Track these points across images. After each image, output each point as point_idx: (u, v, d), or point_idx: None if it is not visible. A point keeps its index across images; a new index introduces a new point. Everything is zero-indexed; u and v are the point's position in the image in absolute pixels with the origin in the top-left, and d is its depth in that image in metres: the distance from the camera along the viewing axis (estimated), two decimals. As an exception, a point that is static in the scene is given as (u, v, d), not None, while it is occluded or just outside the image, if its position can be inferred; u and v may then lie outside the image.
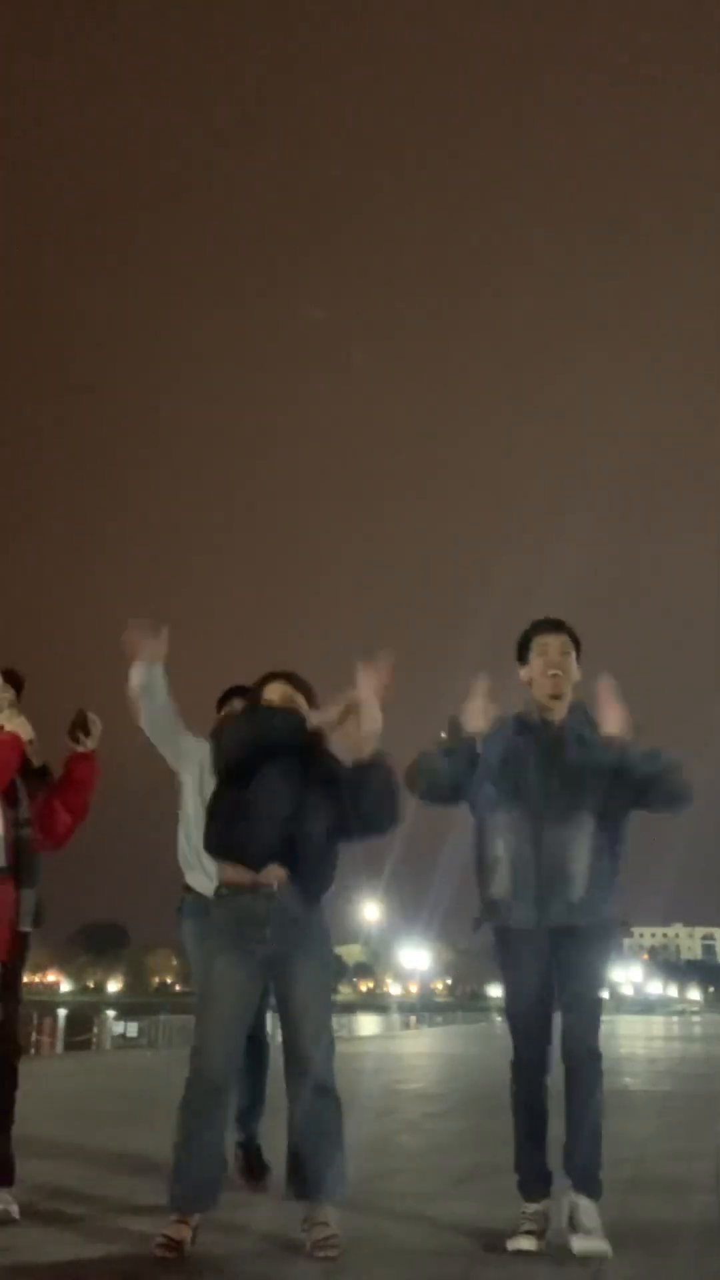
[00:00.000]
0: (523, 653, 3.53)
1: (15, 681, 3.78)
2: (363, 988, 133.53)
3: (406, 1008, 66.05)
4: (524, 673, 3.52)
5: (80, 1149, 5.11)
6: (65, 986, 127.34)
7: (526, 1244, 3.21)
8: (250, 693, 3.61)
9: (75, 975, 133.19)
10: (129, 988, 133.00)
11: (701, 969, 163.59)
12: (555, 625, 3.53)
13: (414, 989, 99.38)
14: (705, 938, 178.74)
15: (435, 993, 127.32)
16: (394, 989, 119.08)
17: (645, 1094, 9.16)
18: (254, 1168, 4.18)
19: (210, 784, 3.73)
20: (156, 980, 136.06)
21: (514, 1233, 3.25)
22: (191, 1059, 3.30)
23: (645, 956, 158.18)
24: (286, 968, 3.31)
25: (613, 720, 3.34)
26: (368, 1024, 41.44)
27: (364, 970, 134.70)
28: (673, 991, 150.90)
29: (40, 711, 3.76)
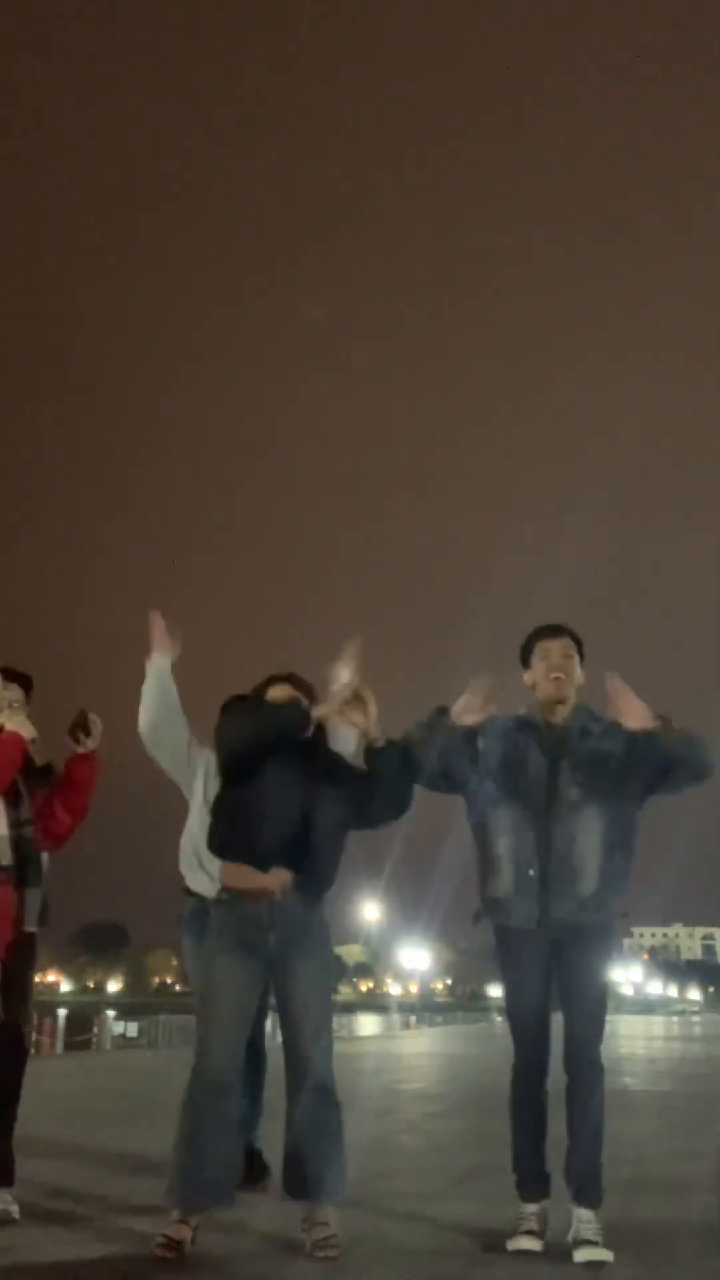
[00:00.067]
0: (526, 657, 3.53)
1: (23, 681, 3.77)
2: (363, 988, 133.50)
3: (406, 1008, 66.03)
4: (527, 677, 3.52)
5: (80, 1149, 5.11)
6: (65, 986, 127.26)
7: (527, 1244, 3.21)
8: (253, 695, 3.61)
9: (75, 975, 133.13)
10: (129, 988, 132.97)
11: (701, 969, 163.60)
12: (557, 629, 3.54)
13: (414, 989, 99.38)
14: (705, 938, 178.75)
15: (435, 993, 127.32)
16: (394, 989, 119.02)
17: (645, 1094, 9.17)
18: (253, 1170, 4.18)
19: (215, 786, 3.73)
20: (156, 980, 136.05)
21: (514, 1233, 3.26)
22: (194, 1065, 3.30)
23: (645, 956, 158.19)
24: (287, 968, 3.31)
25: (635, 715, 3.31)
26: (368, 1024, 41.44)
27: (364, 970, 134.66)
28: (673, 991, 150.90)
29: (41, 711, 3.76)
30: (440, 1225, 3.58)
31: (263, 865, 3.30)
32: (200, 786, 4.24)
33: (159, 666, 4.11)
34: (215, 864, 3.58)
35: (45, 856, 3.77)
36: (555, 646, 3.48)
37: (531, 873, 3.32)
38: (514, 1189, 3.38)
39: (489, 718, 3.45)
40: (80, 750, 3.74)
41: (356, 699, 3.36)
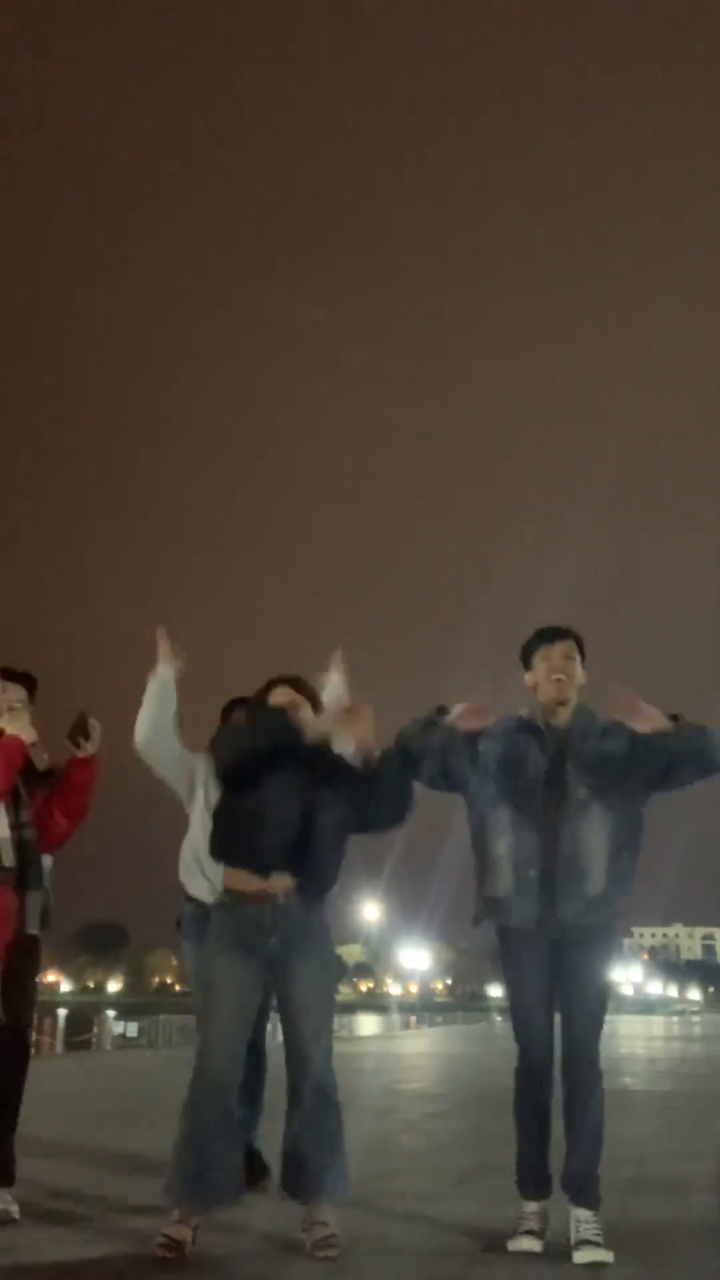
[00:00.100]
0: (527, 658, 3.53)
1: (27, 682, 3.77)
2: (363, 988, 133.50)
3: (406, 1008, 66.04)
4: (528, 678, 3.52)
5: (80, 1149, 5.11)
6: (65, 986, 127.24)
7: (527, 1244, 3.21)
8: (254, 698, 3.60)
9: (75, 975, 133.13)
10: (129, 988, 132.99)
11: (701, 969, 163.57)
12: (559, 631, 3.53)
13: (414, 989, 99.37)
14: (705, 938, 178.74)
15: (435, 993, 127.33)
16: (394, 989, 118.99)
17: (645, 1094, 9.16)
18: (253, 1170, 4.18)
19: (215, 791, 3.73)
20: (156, 980, 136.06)
21: (514, 1233, 3.26)
22: (195, 1067, 3.29)
23: (645, 956, 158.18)
24: (288, 969, 3.31)
25: (647, 720, 3.30)
26: (368, 1024, 41.44)
27: (364, 970, 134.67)
28: (673, 991, 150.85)
29: (41, 712, 3.75)
30: (440, 1225, 3.58)
31: (264, 869, 3.30)
32: (200, 793, 4.24)
33: (164, 679, 4.13)
34: (216, 870, 3.58)
35: (49, 859, 3.77)
36: (557, 649, 3.48)
37: (532, 873, 3.32)
38: (515, 1188, 3.39)
39: (500, 721, 3.45)
40: (79, 754, 3.73)
41: (353, 713, 3.35)
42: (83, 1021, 32.14)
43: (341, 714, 3.40)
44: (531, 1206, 3.32)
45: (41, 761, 3.70)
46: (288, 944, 3.30)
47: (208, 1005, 3.31)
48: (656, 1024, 45.37)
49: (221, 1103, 3.24)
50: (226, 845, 3.40)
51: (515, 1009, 3.42)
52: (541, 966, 3.35)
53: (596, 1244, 3.13)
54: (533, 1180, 3.35)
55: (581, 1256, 3.10)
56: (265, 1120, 4.19)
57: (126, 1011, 41.07)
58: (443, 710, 3.47)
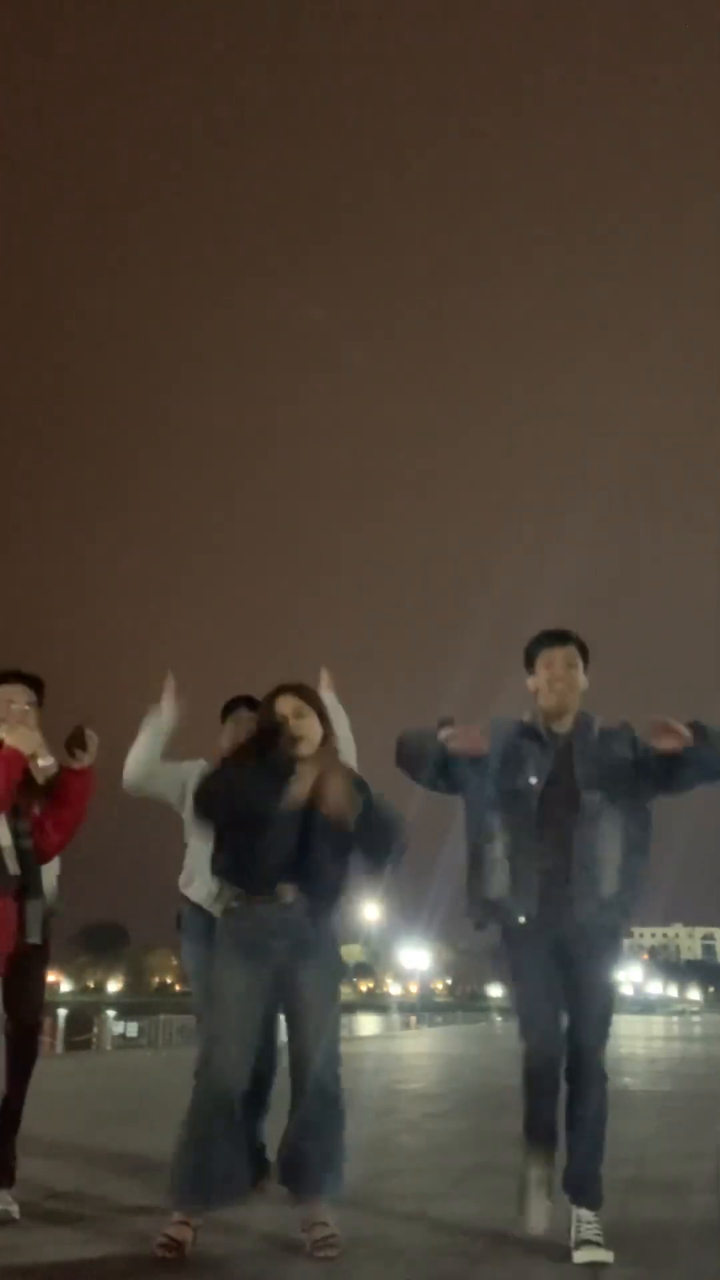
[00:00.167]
0: (530, 661, 3.53)
1: (35, 684, 3.76)
2: (363, 988, 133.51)
3: (406, 1008, 66.03)
4: (531, 682, 3.52)
5: (80, 1149, 5.11)
6: (65, 986, 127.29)
7: (537, 1209, 3.23)
8: (260, 706, 3.56)
9: (75, 975, 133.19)
10: (129, 988, 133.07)
11: (701, 969, 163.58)
12: (562, 636, 3.52)
13: (414, 989, 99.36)
14: (705, 938, 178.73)
15: (435, 993, 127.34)
16: (394, 989, 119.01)
17: (645, 1094, 9.16)
18: (256, 1169, 4.18)
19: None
20: (156, 980, 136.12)
21: (521, 1193, 3.26)
22: (199, 1071, 3.29)
23: (645, 956, 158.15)
24: (295, 973, 3.29)
25: (672, 740, 3.25)
26: (368, 1024, 41.45)
27: (364, 970, 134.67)
28: (673, 991, 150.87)
29: (41, 713, 3.74)
30: (440, 1225, 3.58)
31: (264, 890, 3.29)
32: (193, 801, 4.24)
33: (164, 725, 4.16)
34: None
35: (56, 865, 3.77)
36: (559, 655, 3.47)
37: (531, 873, 3.32)
38: (514, 1189, 3.36)
39: (503, 725, 3.44)
40: (75, 765, 3.71)
41: (322, 782, 3.31)
42: (83, 1021, 32.14)
43: (315, 784, 3.35)
44: (535, 1171, 3.29)
45: (41, 774, 3.68)
46: (295, 948, 3.29)
47: (214, 1015, 3.30)
48: (656, 1024, 45.38)
49: (225, 1110, 3.23)
50: (228, 869, 3.39)
51: (521, 1008, 3.40)
52: (546, 965, 3.34)
53: (597, 1244, 3.13)
54: (544, 1129, 3.31)
55: (582, 1256, 3.10)
56: (269, 1120, 4.19)
57: (126, 1011, 41.08)
58: (446, 723, 3.46)
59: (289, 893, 3.30)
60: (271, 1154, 3.96)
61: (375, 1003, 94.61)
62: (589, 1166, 3.28)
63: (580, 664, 3.49)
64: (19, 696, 3.69)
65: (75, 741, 3.70)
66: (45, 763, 3.69)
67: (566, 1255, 3.13)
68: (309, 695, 3.49)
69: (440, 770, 3.41)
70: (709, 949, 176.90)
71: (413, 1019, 50.26)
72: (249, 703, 4.35)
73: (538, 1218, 3.26)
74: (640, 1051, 17.45)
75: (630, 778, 3.36)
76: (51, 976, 4.13)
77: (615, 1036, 3.43)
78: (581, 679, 3.49)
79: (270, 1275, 3.01)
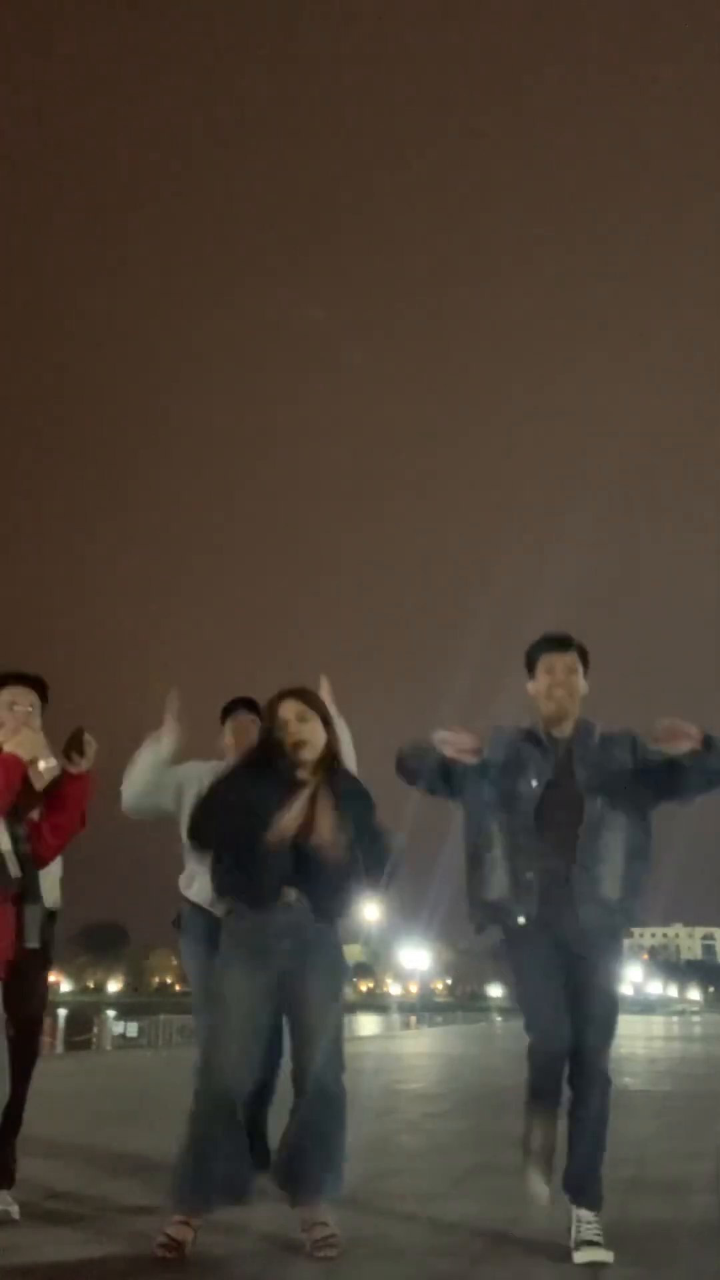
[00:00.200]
0: (530, 666, 3.53)
1: (39, 686, 3.75)
2: (363, 988, 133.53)
3: (406, 1008, 66.06)
4: (531, 687, 3.53)
5: (80, 1149, 5.11)
6: (65, 986, 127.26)
7: (538, 1183, 3.24)
8: (263, 712, 3.55)
9: (75, 975, 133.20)
10: (129, 988, 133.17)
11: (701, 969, 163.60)
12: (562, 643, 3.52)
13: (414, 989, 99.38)
14: (705, 938, 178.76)
15: (435, 993, 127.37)
16: (394, 989, 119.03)
17: (645, 1094, 9.17)
18: (256, 1154, 4.16)
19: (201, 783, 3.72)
20: (156, 980, 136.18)
21: (524, 1157, 3.26)
22: (201, 1074, 3.29)
23: (645, 956, 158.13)
24: (298, 974, 3.28)
25: (683, 740, 3.25)
26: (368, 1024, 41.45)
27: (364, 970, 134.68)
28: (673, 991, 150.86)
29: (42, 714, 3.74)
30: (440, 1225, 3.58)
31: (265, 903, 3.28)
32: (188, 804, 4.23)
33: (162, 750, 4.16)
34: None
35: (59, 868, 3.76)
36: (560, 661, 3.48)
37: (529, 875, 3.32)
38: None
39: (459, 757, 3.42)
40: (73, 770, 3.71)
41: (310, 822, 3.28)
42: (83, 1021, 32.13)
43: (300, 818, 3.32)
44: (538, 1135, 3.28)
45: (40, 780, 3.67)
46: (298, 949, 3.27)
47: (216, 1014, 3.29)
48: (656, 1024, 45.36)
49: (227, 1112, 3.23)
50: (227, 886, 3.38)
51: (524, 1005, 3.39)
52: (547, 965, 3.32)
53: (597, 1244, 3.13)
54: (551, 1088, 3.31)
55: (582, 1257, 3.11)
56: (274, 1116, 4.19)
57: (126, 1011, 41.09)
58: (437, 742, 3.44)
59: (292, 894, 3.29)
60: (274, 1143, 3.96)
61: (375, 1003, 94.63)
62: (589, 1167, 3.28)
63: (580, 669, 3.50)
64: (22, 699, 3.68)
65: (73, 745, 3.69)
66: (47, 765, 3.68)
67: (566, 1255, 3.13)
68: (312, 699, 3.47)
69: (440, 776, 3.41)
70: (709, 949, 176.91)
71: (413, 1019, 50.28)
72: (248, 704, 4.35)
73: (539, 1188, 3.25)
74: (640, 1051, 17.45)
75: (631, 784, 3.36)
76: (51, 977, 4.12)
77: (615, 1036, 3.43)
78: (582, 684, 3.49)
79: (270, 1275, 3.02)
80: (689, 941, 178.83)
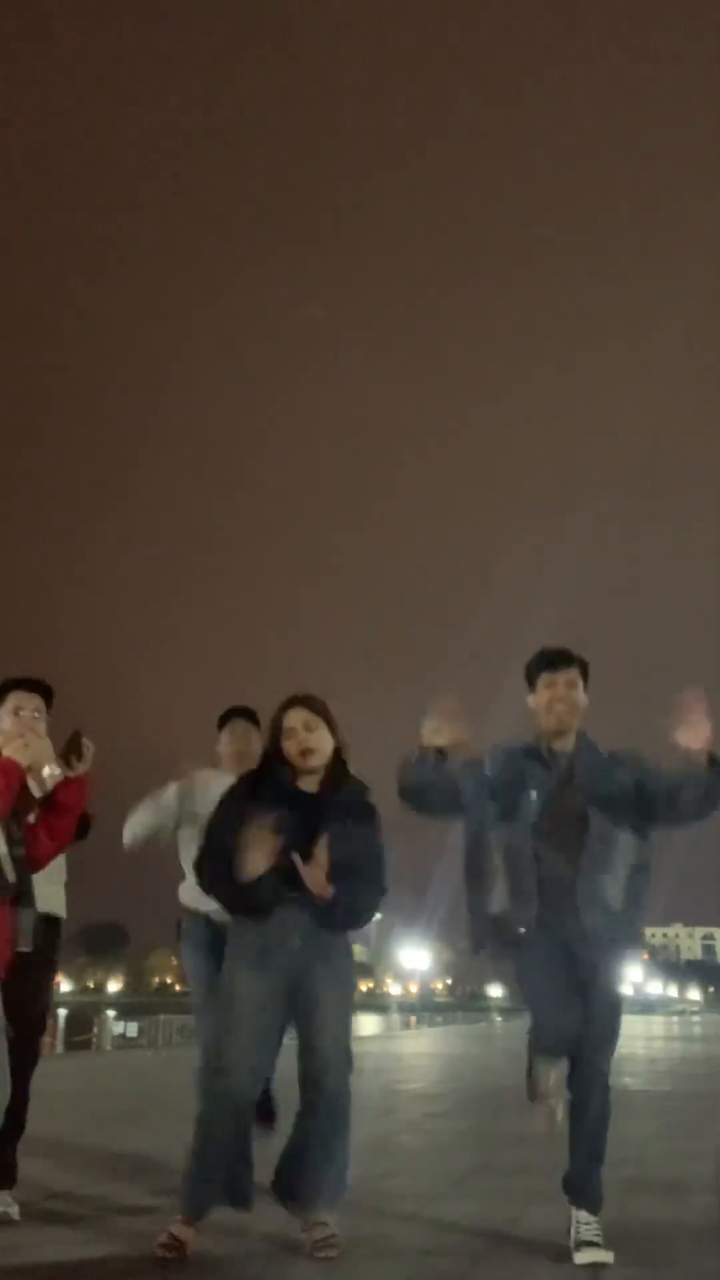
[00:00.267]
0: (531, 680, 3.54)
1: (44, 691, 3.74)
2: (363, 988, 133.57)
3: (406, 1008, 66.06)
4: (531, 700, 3.53)
5: (80, 1149, 5.11)
6: (65, 986, 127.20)
7: (547, 1115, 3.24)
8: (271, 720, 3.53)
9: (75, 975, 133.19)
10: (129, 988, 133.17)
11: (701, 969, 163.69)
12: (564, 657, 3.52)
13: (414, 989, 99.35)
14: (705, 938, 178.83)
15: (435, 993, 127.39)
16: (394, 989, 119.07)
17: (645, 1094, 9.18)
18: (262, 1111, 4.13)
19: (205, 804, 3.71)
20: (156, 980, 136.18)
21: (534, 1100, 3.26)
22: (210, 1076, 3.28)
23: (645, 956, 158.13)
24: (308, 977, 3.24)
25: (696, 735, 3.25)
26: (368, 1024, 41.48)
27: (364, 970, 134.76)
28: (673, 991, 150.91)
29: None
30: (440, 1225, 3.58)
31: (258, 915, 3.25)
32: (186, 827, 4.23)
33: (170, 803, 4.27)
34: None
35: (63, 872, 3.75)
36: (560, 676, 3.48)
37: (530, 887, 3.31)
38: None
39: (462, 736, 3.42)
40: (70, 773, 3.70)
41: (308, 872, 3.24)
42: (83, 1021, 32.13)
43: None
44: (551, 1076, 3.27)
45: (43, 786, 3.67)
46: (309, 951, 3.24)
47: (228, 1022, 3.26)
48: (656, 1024, 45.39)
49: (238, 1120, 3.22)
50: (233, 903, 3.35)
51: (529, 1003, 3.38)
52: (548, 964, 3.30)
53: (597, 1245, 3.13)
54: (555, 1040, 3.30)
55: (582, 1257, 3.11)
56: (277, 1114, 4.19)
57: (126, 1011, 41.07)
58: (424, 750, 3.42)
59: (293, 894, 3.27)
60: (272, 1151, 3.96)
61: (375, 1003, 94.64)
62: (589, 1170, 3.28)
63: (580, 683, 3.51)
64: (27, 704, 3.68)
65: (72, 749, 3.68)
66: (51, 773, 3.67)
67: (566, 1255, 3.13)
68: (318, 706, 3.44)
69: (446, 792, 3.41)
70: (709, 949, 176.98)
71: (413, 1019, 50.36)
72: (245, 713, 4.35)
73: (554, 1121, 3.23)
74: (640, 1051, 17.46)
75: (630, 800, 3.37)
76: (51, 978, 4.13)
77: (618, 1037, 3.43)
78: (582, 698, 3.50)
79: (270, 1275, 3.02)
80: (689, 941, 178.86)
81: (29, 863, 3.60)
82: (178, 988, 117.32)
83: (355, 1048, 3.40)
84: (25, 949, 3.56)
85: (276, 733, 3.41)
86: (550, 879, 3.32)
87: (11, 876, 3.44)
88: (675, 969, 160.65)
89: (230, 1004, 3.27)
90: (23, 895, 3.54)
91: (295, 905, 3.23)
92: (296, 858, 3.21)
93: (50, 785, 3.67)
